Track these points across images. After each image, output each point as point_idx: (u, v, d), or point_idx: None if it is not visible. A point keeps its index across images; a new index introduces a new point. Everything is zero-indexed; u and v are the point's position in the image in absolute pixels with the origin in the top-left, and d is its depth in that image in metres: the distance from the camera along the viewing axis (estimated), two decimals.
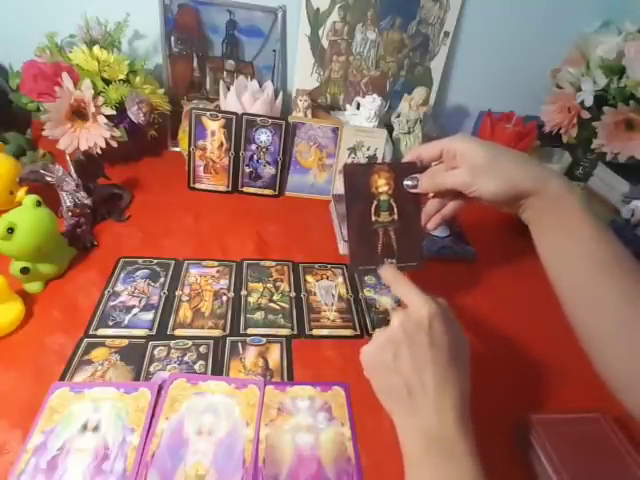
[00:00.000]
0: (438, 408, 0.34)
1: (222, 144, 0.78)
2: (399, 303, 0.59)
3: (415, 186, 0.45)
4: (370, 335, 0.56)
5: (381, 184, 0.45)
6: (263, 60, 0.92)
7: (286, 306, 0.59)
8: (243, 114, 0.77)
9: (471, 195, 0.43)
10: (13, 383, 0.46)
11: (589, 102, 0.82)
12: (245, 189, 0.81)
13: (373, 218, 0.46)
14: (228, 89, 0.82)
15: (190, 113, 0.77)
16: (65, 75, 0.69)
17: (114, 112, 0.73)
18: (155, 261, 0.63)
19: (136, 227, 0.69)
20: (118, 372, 0.48)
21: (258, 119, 0.78)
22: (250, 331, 0.55)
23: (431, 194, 0.47)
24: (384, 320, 0.57)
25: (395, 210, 0.46)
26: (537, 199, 0.41)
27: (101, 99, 0.72)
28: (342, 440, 0.44)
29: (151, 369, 0.48)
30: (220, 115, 0.77)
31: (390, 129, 0.88)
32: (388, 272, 0.43)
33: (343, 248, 0.69)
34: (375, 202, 0.46)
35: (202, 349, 0.51)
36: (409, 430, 0.36)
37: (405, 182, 0.45)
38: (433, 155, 0.45)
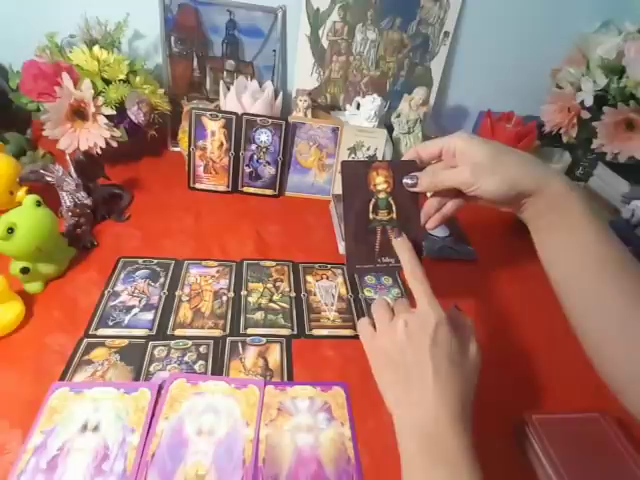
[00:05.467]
0: (434, 405, 0.34)
1: (222, 144, 0.78)
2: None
3: (414, 184, 0.44)
4: None
5: (379, 182, 0.45)
6: (263, 60, 0.92)
7: (286, 306, 0.59)
8: (243, 114, 0.77)
9: (471, 194, 0.43)
10: (13, 383, 0.46)
11: (589, 102, 0.82)
12: (245, 189, 0.81)
13: (371, 216, 0.45)
14: (228, 89, 0.82)
15: (190, 113, 0.77)
16: (65, 75, 0.69)
17: (114, 112, 0.73)
18: (155, 261, 0.63)
19: (136, 227, 0.69)
20: (118, 372, 0.48)
21: (258, 119, 0.78)
22: (250, 331, 0.55)
23: (430, 193, 0.47)
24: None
25: (394, 208, 0.45)
26: (538, 199, 0.41)
27: (101, 99, 0.72)
28: (342, 440, 0.44)
29: (151, 369, 0.48)
30: (220, 115, 0.77)
31: (390, 129, 0.88)
32: (405, 252, 0.42)
33: (343, 248, 0.69)
34: (373, 200, 0.45)
35: (202, 349, 0.51)
36: (405, 427, 0.36)
37: (404, 180, 0.45)
38: (432, 153, 0.45)
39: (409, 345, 0.36)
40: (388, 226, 0.45)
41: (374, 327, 0.40)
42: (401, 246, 0.43)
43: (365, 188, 0.45)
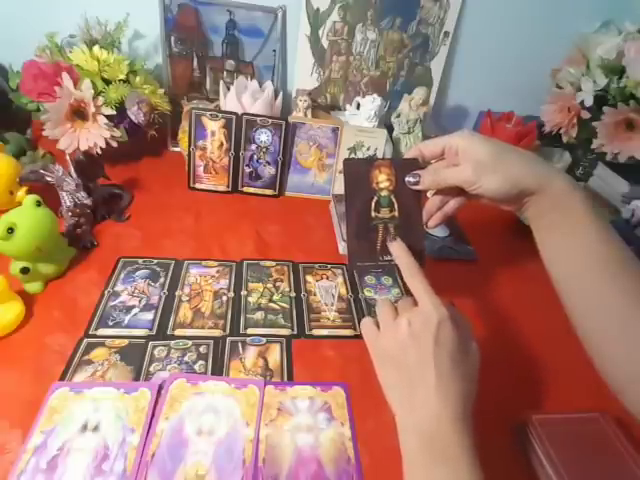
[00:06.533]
0: (436, 405, 0.34)
1: (222, 144, 0.78)
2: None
3: (417, 182, 0.44)
4: None
5: (382, 179, 0.45)
6: (263, 60, 0.92)
7: (286, 306, 0.59)
8: (243, 114, 0.77)
9: (473, 192, 0.43)
10: (13, 383, 0.46)
11: (589, 102, 0.82)
12: (245, 189, 0.81)
13: (373, 214, 0.45)
14: (228, 89, 0.82)
15: (190, 113, 0.77)
16: (65, 75, 0.69)
17: (114, 112, 0.73)
18: (155, 261, 0.63)
19: (136, 227, 0.69)
20: (118, 372, 0.48)
21: (258, 119, 0.78)
22: (250, 331, 0.55)
23: (432, 191, 0.47)
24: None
25: (396, 206, 0.45)
26: (541, 198, 0.41)
27: (101, 99, 0.72)
28: (342, 440, 0.44)
29: (151, 369, 0.48)
30: (220, 115, 0.77)
31: (390, 129, 0.88)
32: (401, 254, 0.42)
33: (343, 248, 0.69)
34: (375, 197, 0.45)
35: (202, 349, 0.51)
36: (407, 426, 0.36)
37: (407, 178, 0.44)
38: (435, 151, 0.45)
39: (412, 344, 0.36)
40: (390, 224, 0.45)
41: (378, 327, 0.40)
42: (396, 248, 0.43)
43: (367, 186, 0.45)
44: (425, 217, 0.47)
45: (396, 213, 0.45)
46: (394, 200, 0.45)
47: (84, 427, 0.42)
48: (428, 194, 0.48)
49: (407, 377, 0.36)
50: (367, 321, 0.41)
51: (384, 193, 0.45)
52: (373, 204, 0.45)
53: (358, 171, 0.45)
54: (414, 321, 0.37)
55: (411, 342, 0.36)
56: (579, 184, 0.92)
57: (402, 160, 0.47)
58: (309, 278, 0.64)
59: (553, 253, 0.42)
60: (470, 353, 0.37)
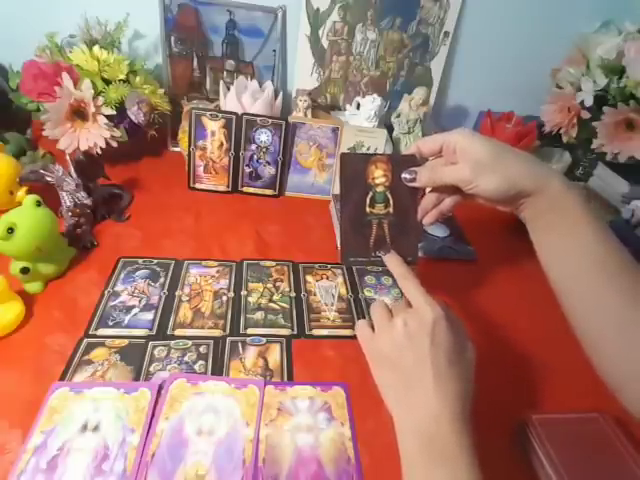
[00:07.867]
0: (434, 405, 0.34)
1: (222, 144, 0.78)
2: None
3: (413, 179, 0.44)
4: None
5: (378, 175, 0.44)
6: (263, 60, 0.92)
7: (286, 306, 0.59)
8: (243, 114, 0.77)
9: (470, 192, 0.43)
10: (13, 383, 0.46)
11: (589, 102, 0.82)
12: (245, 189, 0.81)
13: (367, 209, 0.45)
14: (228, 89, 0.82)
15: (190, 113, 0.77)
16: (65, 75, 0.69)
17: (114, 112, 0.73)
18: (155, 261, 0.63)
19: (136, 227, 0.69)
20: (118, 372, 0.48)
21: (258, 119, 0.78)
22: (250, 331, 0.55)
23: (429, 189, 0.47)
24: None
25: (391, 203, 0.45)
26: (538, 199, 0.41)
27: (101, 99, 0.72)
28: (342, 440, 0.44)
29: (151, 369, 0.48)
30: (220, 115, 0.77)
31: (390, 129, 0.88)
32: (394, 263, 0.42)
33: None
34: (370, 193, 0.45)
35: (202, 349, 0.51)
36: (405, 427, 0.36)
37: (403, 175, 0.44)
38: (433, 149, 0.45)
39: (409, 345, 0.36)
40: (384, 220, 0.45)
41: (372, 328, 0.40)
42: (390, 258, 0.44)
43: (363, 181, 0.45)
44: (420, 214, 0.46)
45: (391, 209, 0.45)
46: (389, 196, 0.45)
47: (84, 427, 0.42)
48: (426, 190, 0.47)
49: (404, 378, 0.36)
50: (361, 323, 0.41)
51: (380, 189, 0.45)
52: (368, 200, 0.45)
53: (354, 165, 0.45)
54: (410, 321, 0.37)
55: (407, 342, 0.36)
56: (578, 185, 0.92)
57: (399, 156, 0.46)
58: (309, 278, 0.64)
59: (550, 254, 0.42)
60: (466, 353, 0.38)
